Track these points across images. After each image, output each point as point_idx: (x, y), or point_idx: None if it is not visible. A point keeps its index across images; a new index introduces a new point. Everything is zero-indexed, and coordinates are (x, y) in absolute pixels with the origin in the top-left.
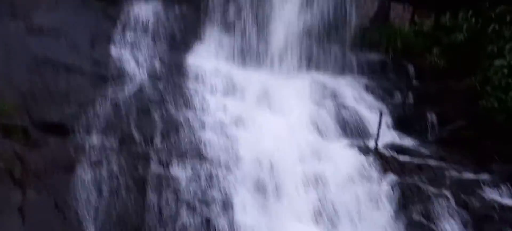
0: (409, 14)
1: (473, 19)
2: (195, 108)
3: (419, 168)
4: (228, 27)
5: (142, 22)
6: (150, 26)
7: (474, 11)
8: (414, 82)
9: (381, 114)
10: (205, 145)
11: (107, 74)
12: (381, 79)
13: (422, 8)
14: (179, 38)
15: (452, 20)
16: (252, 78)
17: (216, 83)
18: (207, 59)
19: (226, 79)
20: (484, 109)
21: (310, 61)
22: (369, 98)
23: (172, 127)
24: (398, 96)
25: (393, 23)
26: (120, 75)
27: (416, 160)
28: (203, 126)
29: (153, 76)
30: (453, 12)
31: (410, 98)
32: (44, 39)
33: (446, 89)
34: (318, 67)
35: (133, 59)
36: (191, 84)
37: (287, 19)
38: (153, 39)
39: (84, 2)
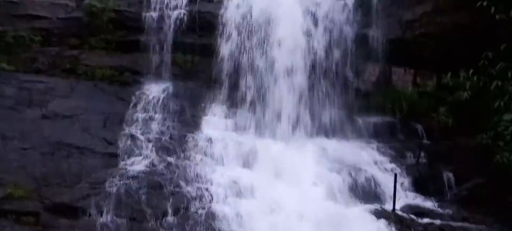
0: (410, 76)
1: (475, 78)
2: (205, 181)
3: (442, 230)
4: (236, 100)
5: (153, 101)
6: (160, 104)
7: (474, 70)
8: (425, 142)
9: (396, 176)
10: (217, 219)
11: (118, 153)
12: (392, 141)
13: (423, 70)
14: (189, 114)
15: (454, 79)
16: (262, 148)
17: (227, 155)
18: (217, 132)
19: (236, 150)
20: (500, 165)
21: (318, 128)
22: (382, 160)
23: (183, 202)
24: (410, 157)
25: (396, 86)
26: (131, 153)
27: (437, 222)
28: (214, 199)
29: (164, 152)
30: (454, 72)
31: (423, 158)
32: (58, 124)
33: (457, 147)
34: (327, 134)
35: (144, 137)
36: (201, 157)
37: (293, 89)
38: (163, 116)
39: (97, 87)
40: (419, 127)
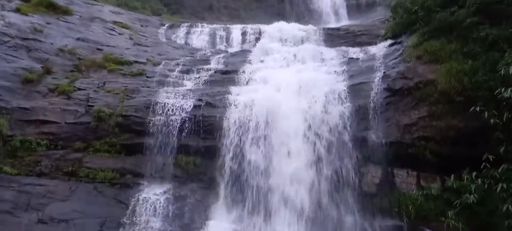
0: (413, 178)
1: (479, 180)
2: None
3: None
4: (236, 203)
5: (152, 204)
6: (160, 208)
7: (478, 172)
8: None
9: None
10: None
11: None
12: None
13: (426, 173)
14: (188, 218)
15: (457, 182)
16: None
17: None
18: None
19: None
20: None
21: None
22: None
23: None
24: None
25: (400, 188)
26: None
27: None
28: None
29: None
30: (457, 174)
31: None
32: (53, 228)
33: None
34: None
35: None
36: None
37: (296, 193)
38: (163, 220)
39: (96, 190)
40: None
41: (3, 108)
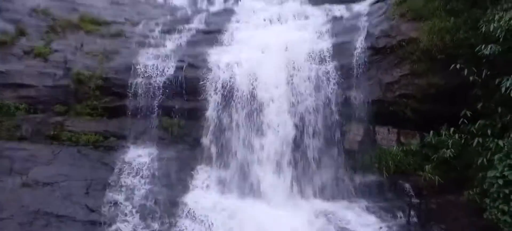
0: (394, 135)
1: (456, 135)
2: None
3: None
4: (222, 162)
5: (138, 165)
6: (145, 169)
7: (455, 128)
8: (414, 200)
9: None
10: None
11: (101, 220)
12: (380, 200)
13: (406, 129)
14: (174, 178)
15: (436, 137)
16: (249, 212)
17: (213, 221)
18: (202, 195)
19: (222, 215)
20: (489, 222)
21: (305, 188)
22: (372, 220)
23: None
24: (401, 215)
25: (380, 145)
26: (114, 220)
27: None
28: None
29: (148, 218)
30: (436, 130)
31: (414, 217)
32: (38, 192)
33: (447, 205)
34: (314, 194)
35: (128, 202)
36: (187, 223)
37: (278, 148)
38: (149, 181)
39: (80, 153)
40: (407, 185)
41: None
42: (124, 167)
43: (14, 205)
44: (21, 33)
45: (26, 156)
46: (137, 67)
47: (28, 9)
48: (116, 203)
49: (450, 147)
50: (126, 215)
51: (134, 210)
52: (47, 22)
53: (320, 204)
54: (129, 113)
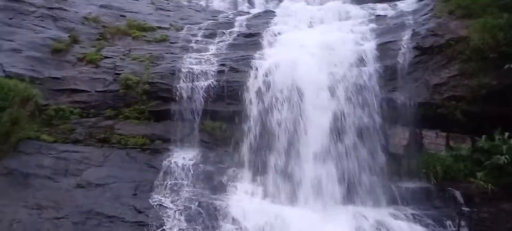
0: (442, 139)
1: (511, 140)
2: None
3: None
4: (263, 166)
5: (182, 168)
6: (189, 172)
7: (510, 133)
8: (464, 208)
9: None
10: None
11: (148, 221)
12: (428, 208)
13: (456, 133)
14: (217, 181)
15: (489, 142)
16: (292, 217)
17: (256, 225)
18: (244, 199)
19: (264, 220)
20: None
21: (349, 195)
22: (419, 229)
23: None
24: (450, 225)
25: (428, 149)
26: (160, 222)
27: None
28: None
29: (192, 221)
30: (489, 134)
31: (464, 227)
32: (90, 193)
33: (500, 214)
34: (358, 201)
35: (173, 205)
36: (230, 228)
37: (320, 154)
38: (192, 184)
39: (129, 156)
40: (458, 193)
41: (36, 79)
42: (169, 169)
43: (70, 205)
44: (75, 40)
45: (79, 158)
46: (181, 71)
47: (81, 17)
48: (161, 205)
49: (504, 153)
50: (172, 217)
51: (179, 212)
52: (98, 29)
53: (364, 211)
54: (174, 117)
